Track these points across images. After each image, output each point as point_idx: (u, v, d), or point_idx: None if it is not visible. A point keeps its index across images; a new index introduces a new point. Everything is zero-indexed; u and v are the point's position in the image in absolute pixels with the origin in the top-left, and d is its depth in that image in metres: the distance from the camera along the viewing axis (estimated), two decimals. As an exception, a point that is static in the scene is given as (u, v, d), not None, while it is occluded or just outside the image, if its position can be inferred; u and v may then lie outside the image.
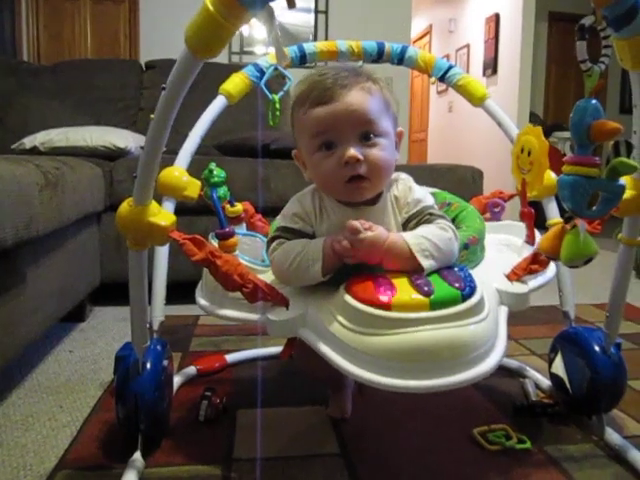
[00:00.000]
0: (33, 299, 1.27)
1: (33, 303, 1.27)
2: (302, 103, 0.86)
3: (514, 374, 1.36)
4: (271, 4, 0.65)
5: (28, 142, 2.17)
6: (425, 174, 2.12)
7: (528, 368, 1.36)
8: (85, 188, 1.65)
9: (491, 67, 5.37)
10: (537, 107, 5.47)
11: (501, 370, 1.38)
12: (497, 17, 5.28)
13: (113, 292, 1.96)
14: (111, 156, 2.13)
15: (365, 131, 0.84)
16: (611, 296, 1.03)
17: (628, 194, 0.90)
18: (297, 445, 1.04)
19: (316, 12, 4.42)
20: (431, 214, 0.87)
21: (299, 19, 4.38)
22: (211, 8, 0.63)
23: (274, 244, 0.89)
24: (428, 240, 0.80)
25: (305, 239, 0.86)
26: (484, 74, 5.54)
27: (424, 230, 0.83)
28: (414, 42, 7.62)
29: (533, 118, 5.04)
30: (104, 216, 1.96)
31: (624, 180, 0.78)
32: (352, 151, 0.81)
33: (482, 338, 0.72)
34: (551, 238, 0.79)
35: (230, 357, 1.42)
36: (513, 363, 1.39)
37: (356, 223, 0.78)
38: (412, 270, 0.79)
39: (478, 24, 5.73)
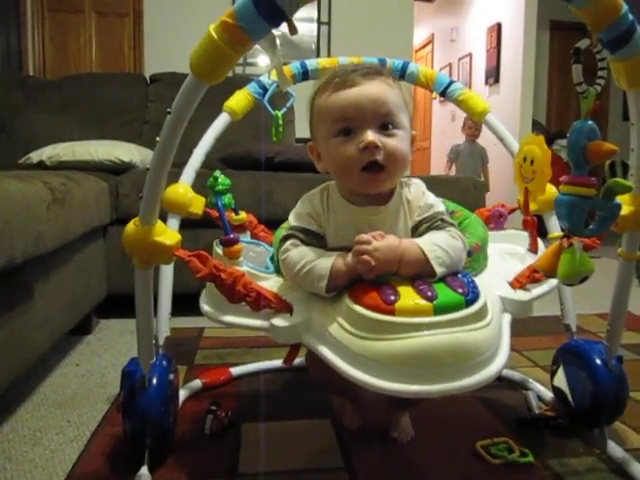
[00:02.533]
0: (42, 313, 1.29)
1: (42, 317, 1.29)
2: (324, 90, 0.86)
3: (517, 386, 1.37)
4: (273, 32, 0.67)
5: (35, 156, 2.20)
6: (427, 185, 2.13)
7: (531, 380, 1.36)
8: (91, 203, 1.68)
9: (493, 76, 5.40)
10: (540, 115, 5.48)
11: (504, 382, 1.39)
12: (499, 26, 5.32)
13: (120, 304, 1.98)
14: (117, 170, 2.16)
15: (385, 121, 0.83)
16: (612, 309, 1.05)
17: (627, 210, 0.92)
18: (302, 459, 1.05)
19: (319, 23, 4.46)
20: (442, 220, 0.87)
21: (302, 29, 4.36)
22: (215, 36, 0.65)
23: (287, 244, 0.87)
24: (441, 248, 0.80)
25: (319, 250, 0.85)
26: (486, 83, 5.57)
27: (436, 237, 0.83)
28: (416, 51, 7.66)
29: (536, 126, 5.05)
30: (110, 229, 1.98)
31: (620, 199, 0.79)
32: (371, 136, 0.81)
33: (485, 344, 0.72)
34: (549, 256, 0.81)
35: (235, 370, 1.43)
36: (516, 375, 1.40)
37: (365, 236, 0.78)
38: (424, 275, 0.79)
39: (480, 33, 5.76)
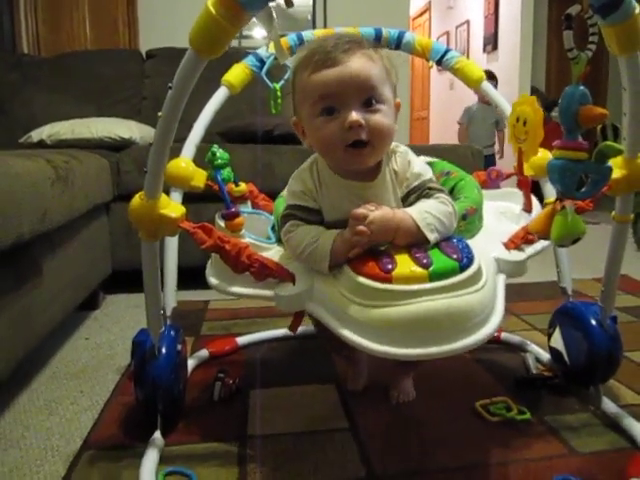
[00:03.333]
0: (50, 289, 1.32)
1: (50, 293, 1.32)
2: (304, 67, 0.86)
3: (516, 349, 1.41)
4: (270, 5, 0.68)
5: (35, 135, 2.21)
6: (426, 153, 2.13)
7: (529, 343, 1.40)
8: (93, 180, 1.70)
9: (491, 43, 5.35)
10: (539, 82, 5.43)
11: (503, 345, 1.43)
12: (497, -8, 5.24)
13: (124, 280, 2.02)
14: (116, 147, 2.17)
15: (368, 97, 0.83)
16: (606, 271, 1.07)
17: (619, 173, 0.94)
18: (308, 422, 1.09)
19: (314, -8, 4.39)
20: (430, 188, 0.89)
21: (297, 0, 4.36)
22: (212, 10, 0.66)
23: (288, 225, 0.89)
24: (431, 215, 0.83)
25: (319, 228, 0.87)
26: (484, 50, 5.52)
27: (426, 205, 0.86)
28: (413, 19, 7.56)
29: (534, 93, 5.02)
30: (113, 206, 2.00)
31: (612, 163, 0.81)
32: (355, 115, 0.81)
33: (479, 306, 0.75)
34: (542, 219, 0.83)
35: (240, 340, 1.47)
36: (515, 338, 1.44)
37: (360, 210, 0.80)
38: (419, 243, 0.82)
39: (477, 0, 5.68)
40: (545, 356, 1.31)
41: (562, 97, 0.74)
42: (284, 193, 1.10)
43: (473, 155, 2.21)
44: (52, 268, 1.34)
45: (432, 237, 0.82)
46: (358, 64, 0.83)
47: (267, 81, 1.26)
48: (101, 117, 2.47)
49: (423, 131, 7.34)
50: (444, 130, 6.62)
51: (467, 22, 6.01)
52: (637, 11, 0.75)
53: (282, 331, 1.50)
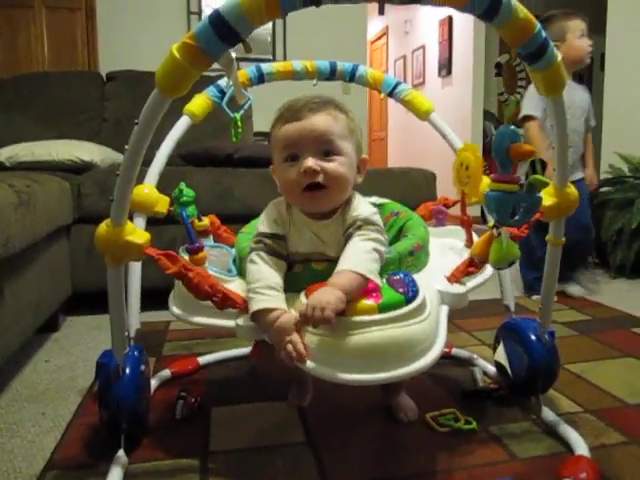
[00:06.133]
0: (11, 312, 1.33)
1: (12, 316, 1.33)
2: (277, 122, 0.99)
3: (465, 363, 1.49)
4: (229, 51, 0.75)
5: (-6, 157, 2.21)
6: (382, 178, 2.23)
7: (477, 357, 1.49)
8: (55, 203, 1.72)
9: (446, 67, 5.55)
10: (492, 105, 5.65)
11: (453, 360, 1.51)
12: (450, 19, 5.46)
13: (84, 301, 2.03)
14: (77, 169, 2.19)
15: (326, 149, 0.95)
16: (543, 289, 1.17)
17: (550, 201, 1.03)
18: (266, 437, 1.14)
19: (274, 17, 4.49)
20: (359, 226, 0.96)
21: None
22: (177, 55, 0.72)
23: (253, 254, 0.98)
24: (366, 260, 0.90)
25: (271, 278, 0.94)
26: (439, 74, 5.72)
27: (356, 252, 0.91)
28: (372, 43, 7.76)
29: (487, 116, 5.22)
30: (73, 228, 2.01)
31: (545, 192, 0.90)
32: (310, 162, 0.93)
33: (423, 335, 0.84)
34: (481, 245, 0.92)
35: (202, 359, 1.51)
36: (464, 353, 1.52)
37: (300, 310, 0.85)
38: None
39: (432, 26, 5.90)
40: (491, 369, 1.39)
41: (495, 136, 0.83)
42: (244, 229, 1.19)
43: (427, 180, 2.32)
44: (13, 291, 1.36)
45: (374, 277, 0.88)
46: (320, 120, 0.95)
47: (228, 111, 1.31)
48: (61, 139, 2.47)
49: (381, 152, 7.51)
50: (402, 150, 6.80)
51: (423, 47, 6.23)
52: (559, 59, 0.84)
53: (242, 350, 1.55)
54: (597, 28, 4.10)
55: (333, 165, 0.95)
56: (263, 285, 0.92)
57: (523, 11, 0.74)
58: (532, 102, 2.19)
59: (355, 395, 1.28)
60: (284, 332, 0.86)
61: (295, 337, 0.85)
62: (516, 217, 0.87)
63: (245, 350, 1.53)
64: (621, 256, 2.67)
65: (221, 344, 1.67)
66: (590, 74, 5.98)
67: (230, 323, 0.96)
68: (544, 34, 0.81)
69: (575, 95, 2.25)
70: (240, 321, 0.93)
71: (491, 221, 1.27)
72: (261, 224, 1.02)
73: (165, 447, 1.09)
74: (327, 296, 0.82)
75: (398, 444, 1.11)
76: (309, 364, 0.83)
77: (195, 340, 1.74)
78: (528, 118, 2.21)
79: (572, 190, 1.04)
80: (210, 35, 0.69)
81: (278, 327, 0.87)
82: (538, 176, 0.84)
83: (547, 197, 1.02)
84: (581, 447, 1.03)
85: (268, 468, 1.02)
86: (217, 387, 1.39)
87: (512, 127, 0.84)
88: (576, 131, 2.21)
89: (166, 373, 1.41)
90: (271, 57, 4.37)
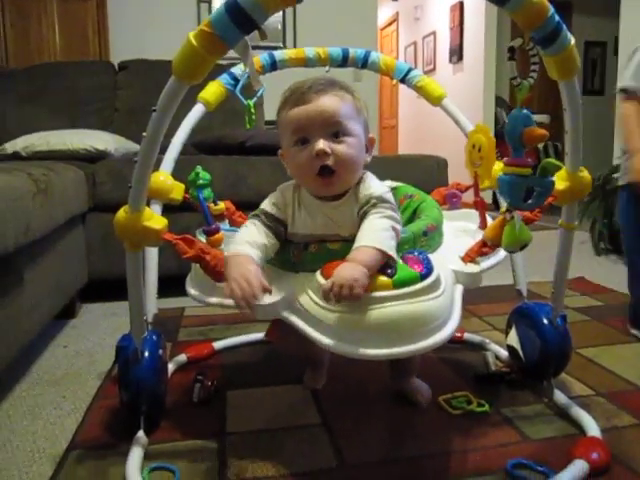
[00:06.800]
0: (31, 298, 1.36)
1: (31, 302, 1.36)
2: (284, 106, 1.00)
3: (477, 347, 1.50)
4: (245, 38, 0.76)
5: (10, 147, 2.23)
6: (394, 165, 2.24)
7: (489, 342, 1.50)
8: (71, 191, 1.74)
9: (457, 54, 5.51)
10: (503, 91, 5.62)
11: (465, 344, 1.53)
12: (461, 5, 5.41)
13: (100, 289, 2.06)
14: (91, 158, 2.21)
15: (335, 130, 0.96)
16: (555, 274, 1.17)
17: (563, 185, 1.04)
18: (282, 419, 1.16)
19: (284, 4, 4.48)
20: (374, 204, 0.96)
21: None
22: (194, 43, 0.73)
23: (248, 220, 1.02)
24: (383, 235, 0.90)
25: (249, 237, 0.96)
26: (450, 61, 5.68)
27: (374, 228, 0.92)
28: (381, 30, 7.71)
29: (499, 102, 5.20)
30: (88, 216, 2.04)
31: (557, 176, 0.91)
32: (322, 144, 0.94)
33: (437, 312, 0.85)
34: (494, 228, 0.93)
35: (217, 344, 1.54)
36: (476, 338, 1.54)
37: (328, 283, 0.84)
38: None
39: (443, 11, 5.85)
40: (503, 354, 1.40)
41: (508, 120, 0.84)
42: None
43: (438, 166, 2.32)
44: (33, 278, 1.38)
45: (392, 252, 0.89)
46: (327, 102, 0.96)
47: (241, 98, 1.32)
48: (75, 129, 2.50)
49: (392, 139, 7.48)
50: (413, 138, 6.77)
51: (434, 33, 6.18)
52: (572, 43, 0.84)
53: (256, 335, 1.57)
54: (611, 11, 4.07)
55: (343, 147, 0.96)
56: (241, 241, 0.95)
57: (536, -6, 0.74)
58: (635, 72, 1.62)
59: (369, 378, 1.30)
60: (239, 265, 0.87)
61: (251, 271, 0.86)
62: (529, 201, 0.87)
63: (258, 335, 1.55)
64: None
65: (235, 329, 1.69)
66: (604, 59, 5.94)
67: None
68: (557, 17, 0.81)
69: None
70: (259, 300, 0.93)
71: (504, 205, 1.29)
72: (264, 203, 1.05)
73: (183, 429, 1.11)
74: (353, 272, 0.82)
75: (411, 426, 1.12)
76: (325, 340, 0.84)
77: (210, 326, 1.77)
78: (625, 93, 1.64)
79: (585, 174, 1.04)
80: (226, 22, 0.71)
81: (234, 260, 0.89)
82: (551, 160, 0.85)
83: (560, 181, 1.03)
84: (593, 429, 1.04)
85: (284, 449, 1.04)
86: (232, 371, 1.41)
87: (524, 111, 0.84)
88: None
89: (182, 358, 1.43)
90: (282, 45, 4.36)
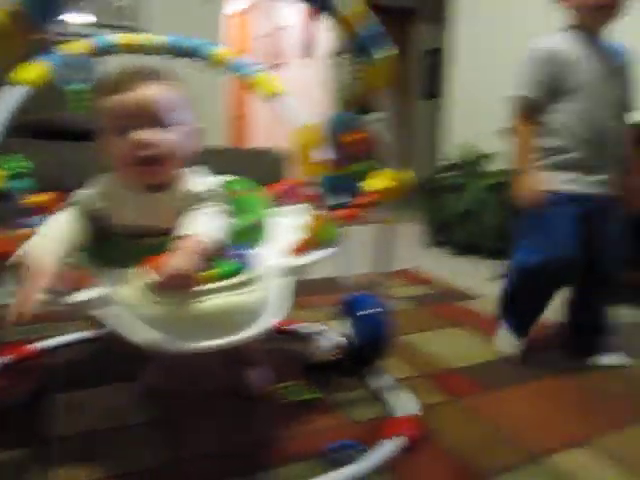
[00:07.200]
0: None
1: None
2: (104, 92, 0.94)
3: (308, 337, 1.57)
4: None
5: None
6: (230, 159, 2.23)
7: (320, 331, 1.57)
8: None
9: (308, 49, 5.61)
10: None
11: (297, 335, 1.60)
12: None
13: None
14: None
15: (157, 119, 0.93)
16: (375, 266, 1.27)
17: (386, 184, 1.12)
18: (109, 419, 1.12)
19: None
20: (199, 199, 0.98)
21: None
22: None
23: (63, 210, 0.98)
24: (207, 229, 0.91)
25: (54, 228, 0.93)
26: (301, 55, 5.77)
27: (198, 222, 0.93)
28: (231, 18, 7.58)
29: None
30: None
31: (380, 176, 0.97)
32: (145, 134, 0.91)
33: (255, 304, 0.88)
34: (311, 225, 0.97)
35: (39, 345, 1.44)
36: (307, 328, 1.61)
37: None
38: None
39: (297, 5, 5.90)
40: (333, 342, 1.47)
41: (327, 124, 0.88)
42: None
43: (275, 160, 2.35)
44: None
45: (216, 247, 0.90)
46: (151, 91, 0.93)
47: (64, 82, 1.24)
48: None
49: (241, 130, 7.43)
50: (262, 128, 6.78)
51: (286, 27, 6.22)
52: (385, 56, 0.91)
53: (80, 334, 1.50)
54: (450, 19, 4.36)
55: (169, 136, 0.94)
56: (44, 235, 0.91)
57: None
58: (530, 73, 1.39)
59: (204, 373, 1.30)
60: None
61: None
62: (342, 200, 0.93)
63: (82, 334, 1.50)
64: (458, 235, 2.98)
65: (57, 329, 1.56)
66: (440, 65, 6.38)
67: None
68: (373, 32, 0.86)
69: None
70: (77, 296, 0.87)
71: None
72: (79, 193, 1.01)
73: (5, 437, 1.04)
74: (183, 262, 0.82)
75: (246, 417, 1.15)
76: (143, 335, 0.83)
77: (32, 326, 1.63)
78: (517, 100, 1.41)
79: (405, 175, 1.12)
80: None
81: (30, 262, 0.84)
82: (365, 162, 0.91)
83: (382, 181, 1.10)
84: (410, 407, 1.16)
85: (112, 449, 1.02)
86: (57, 373, 1.33)
87: (348, 114, 0.89)
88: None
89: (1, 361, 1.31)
90: (135, 24, 4.06)
